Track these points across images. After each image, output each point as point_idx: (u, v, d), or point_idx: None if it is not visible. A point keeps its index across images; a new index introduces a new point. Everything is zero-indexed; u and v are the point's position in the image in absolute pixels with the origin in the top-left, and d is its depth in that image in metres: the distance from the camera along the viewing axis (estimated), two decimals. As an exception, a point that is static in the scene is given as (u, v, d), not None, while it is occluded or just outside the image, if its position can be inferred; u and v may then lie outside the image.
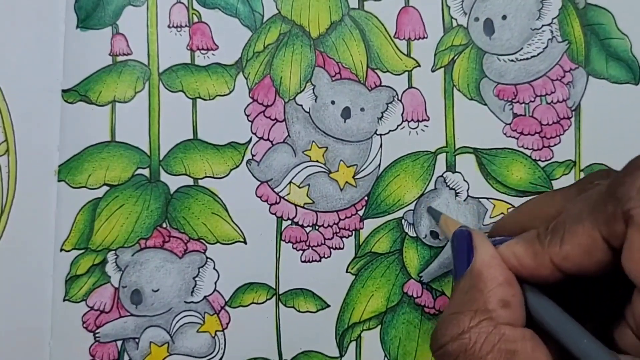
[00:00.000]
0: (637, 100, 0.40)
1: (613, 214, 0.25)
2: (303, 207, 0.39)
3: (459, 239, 0.31)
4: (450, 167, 0.40)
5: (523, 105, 0.40)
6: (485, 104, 0.40)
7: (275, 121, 0.40)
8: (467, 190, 0.39)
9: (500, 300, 0.27)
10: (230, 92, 0.40)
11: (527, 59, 0.40)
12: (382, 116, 0.40)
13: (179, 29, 0.40)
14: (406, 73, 0.40)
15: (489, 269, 0.28)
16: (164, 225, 0.39)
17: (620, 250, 0.25)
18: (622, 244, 0.25)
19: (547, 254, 0.27)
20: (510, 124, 0.40)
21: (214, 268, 0.39)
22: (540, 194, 0.39)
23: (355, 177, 0.39)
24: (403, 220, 0.39)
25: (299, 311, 0.39)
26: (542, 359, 0.26)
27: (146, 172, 0.39)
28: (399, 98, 0.40)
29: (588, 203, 0.27)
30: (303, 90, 0.40)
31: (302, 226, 0.39)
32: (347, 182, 0.39)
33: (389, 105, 0.40)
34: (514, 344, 0.26)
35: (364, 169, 0.39)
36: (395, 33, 0.41)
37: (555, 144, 0.40)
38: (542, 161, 0.40)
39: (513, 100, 0.40)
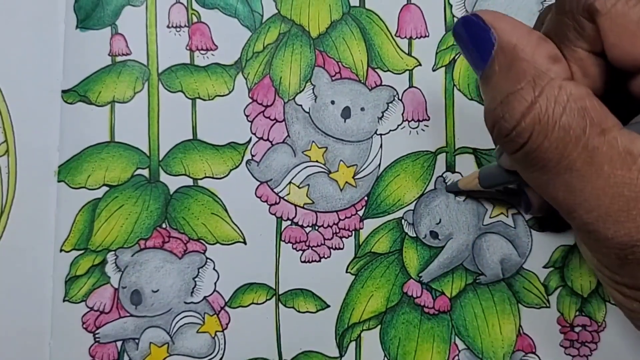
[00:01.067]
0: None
1: (579, 23, 0.25)
2: (303, 207, 0.39)
3: (468, 26, 0.28)
4: (450, 167, 0.39)
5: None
6: (486, 104, 0.40)
7: (274, 121, 0.39)
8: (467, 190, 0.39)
9: (549, 57, 0.26)
10: (230, 92, 0.40)
11: (528, 58, 0.40)
12: (383, 116, 0.40)
13: (178, 29, 0.40)
14: (407, 72, 0.40)
15: (520, 36, 0.26)
16: (164, 225, 0.39)
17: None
18: (601, 44, 0.25)
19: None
20: (510, 124, 0.40)
21: (214, 268, 0.39)
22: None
23: (355, 177, 0.39)
24: (403, 220, 0.39)
25: (298, 311, 0.39)
26: (609, 114, 0.25)
27: (146, 172, 0.39)
28: (400, 97, 0.40)
29: (555, 35, 0.27)
30: (303, 90, 0.40)
31: (302, 226, 0.39)
32: (347, 182, 0.39)
33: (390, 104, 0.40)
34: (583, 100, 0.25)
35: (364, 169, 0.39)
36: (397, 31, 0.40)
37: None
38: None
39: (514, 100, 0.40)
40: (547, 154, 0.25)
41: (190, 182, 0.39)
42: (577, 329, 0.38)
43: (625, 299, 0.27)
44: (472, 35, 0.28)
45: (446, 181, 0.39)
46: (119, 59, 0.39)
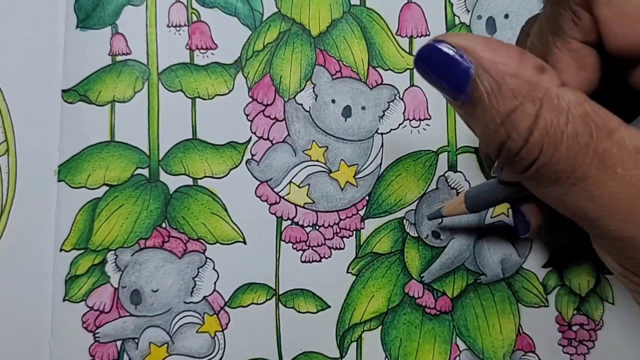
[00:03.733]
0: None
1: (576, 13, 0.25)
2: (303, 207, 0.39)
3: (434, 53, 0.26)
4: (452, 167, 0.39)
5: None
6: (487, 103, 0.39)
7: (275, 120, 0.39)
8: (469, 190, 0.39)
9: (536, 67, 0.25)
10: (230, 92, 0.39)
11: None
12: (384, 115, 0.40)
13: (178, 29, 0.40)
14: (408, 71, 0.40)
15: (498, 53, 0.25)
16: (164, 225, 0.39)
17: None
18: (599, 34, 0.24)
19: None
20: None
21: (214, 268, 0.38)
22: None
23: (356, 176, 0.39)
24: (404, 220, 0.39)
25: (299, 312, 0.38)
26: (610, 114, 0.24)
27: (145, 172, 0.39)
28: (401, 96, 0.40)
29: (549, 27, 0.26)
30: (303, 89, 0.40)
31: (302, 226, 0.39)
32: (347, 181, 0.39)
33: (391, 103, 0.40)
34: (582, 105, 0.24)
35: (365, 168, 0.39)
36: (397, 30, 0.40)
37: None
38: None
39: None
40: (560, 165, 0.24)
41: (190, 181, 0.39)
42: (575, 328, 0.38)
43: None
44: (442, 63, 0.26)
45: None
46: (119, 58, 0.39)
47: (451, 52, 0.25)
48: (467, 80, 0.25)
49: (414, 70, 0.40)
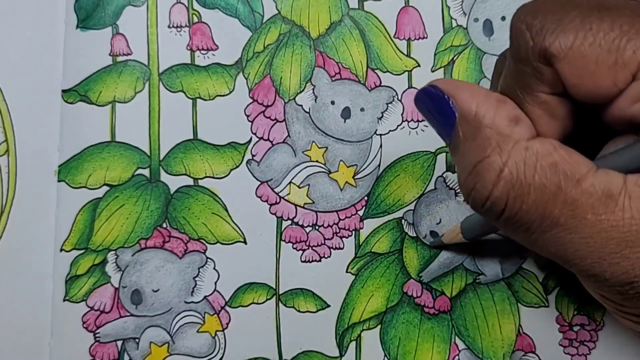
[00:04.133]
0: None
1: (537, 69, 0.25)
2: (303, 207, 0.39)
3: (428, 97, 0.28)
4: (450, 167, 0.40)
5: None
6: (485, 104, 0.40)
7: (275, 121, 0.40)
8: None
9: (510, 119, 0.25)
10: (230, 92, 0.40)
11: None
12: (382, 116, 0.40)
13: (179, 29, 0.40)
14: (406, 73, 0.40)
15: (479, 102, 0.26)
16: (164, 225, 0.39)
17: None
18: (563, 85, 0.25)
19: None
20: (510, 124, 0.40)
21: (214, 268, 0.39)
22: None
23: (355, 177, 0.39)
24: (403, 220, 0.39)
25: (299, 311, 0.39)
26: (580, 161, 0.25)
27: (146, 172, 0.39)
28: (399, 98, 0.40)
29: (516, 83, 0.26)
30: (303, 90, 0.40)
31: (302, 226, 0.39)
32: (347, 182, 0.39)
33: (389, 105, 0.40)
34: (551, 155, 0.24)
35: (364, 169, 0.40)
36: (395, 33, 0.41)
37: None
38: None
39: (513, 101, 0.40)
40: (528, 216, 0.25)
41: (190, 181, 0.39)
42: (575, 328, 0.38)
43: (634, 324, 0.28)
44: (434, 106, 0.27)
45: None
46: (119, 58, 0.40)
47: (443, 98, 0.27)
48: (452, 125, 0.27)
49: (412, 72, 0.40)
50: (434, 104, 0.27)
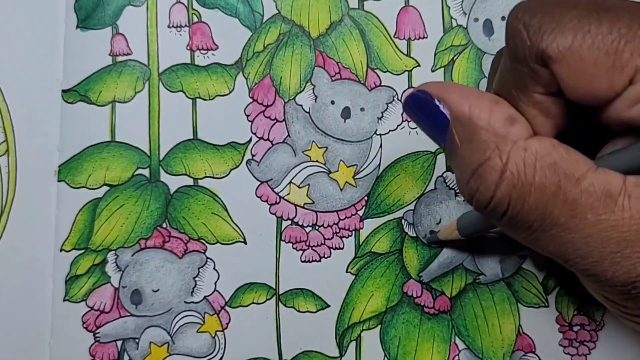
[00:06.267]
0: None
1: (534, 70, 0.25)
2: (303, 207, 0.39)
3: (417, 103, 0.27)
4: (450, 167, 0.39)
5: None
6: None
7: (275, 121, 0.40)
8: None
9: (506, 119, 0.25)
10: (230, 92, 0.40)
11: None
12: (382, 116, 0.40)
13: (178, 29, 0.40)
14: (406, 73, 0.40)
15: (472, 104, 0.26)
16: (164, 225, 0.39)
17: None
18: (558, 85, 0.25)
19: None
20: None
21: (214, 268, 0.39)
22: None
23: (355, 177, 0.39)
24: (403, 220, 0.39)
25: (299, 311, 0.39)
26: (579, 159, 0.25)
27: (146, 172, 0.39)
28: (399, 98, 0.40)
29: (511, 82, 0.26)
30: (303, 90, 0.40)
31: (302, 226, 0.39)
32: (347, 182, 0.39)
33: (389, 105, 0.40)
34: (550, 155, 0.24)
35: (364, 168, 0.39)
36: (395, 33, 0.41)
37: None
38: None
39: (513, 100, 0.40)
40: (529, 216, 0.25)
41: (190, 181, 0.39)
42: (575, 328, 0.38)
43: (637, 325, 0.28)
44: (425, 112, 0.27)
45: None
46: (119, 58, 0.40)
47: (433, 102, 0.27)
48: (446, 129, 0.26)
49: (412, 72, 0.40)
50: (424, 109, 0.27)
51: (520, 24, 0.25)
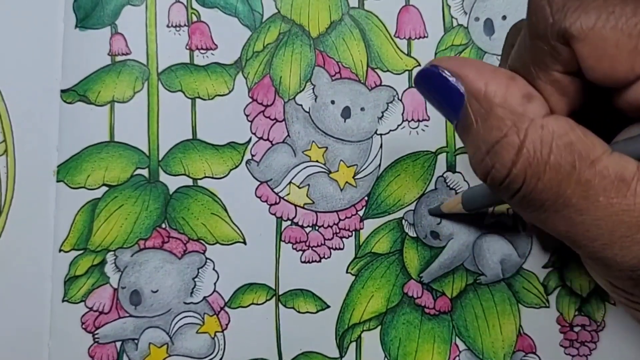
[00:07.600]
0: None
1: (555, 48, 0.25)
2: (303, 208, 0.39)
3: (430, 78, 0.27)
4: (451, 167, 0.39)
5: (524, 105, 0.40)
6: (486, 104, 0.40)
7: (274, 121, 0.39)
8: (468, 191, 0.39)
9: (523, 96, 0.25)
10: (230, 92, 0.40)
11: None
12: (383, 116, 0.40)
13: (178, 29, 0.40)
14: (406, 72, 0.40)
15: (488, 80, 0.25)
16: (163, 225, 0.39)
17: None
18: (579, 66, 0.24)
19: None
20: (510, 124, 0.40)
21: (214, 269, 0.38)
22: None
23: (355, 177, 0.39)
24: (403, 221, 0.39)
25: (298, 312, 0.38)
26: (595, 142, 0.24)
27: (145, 172, 0.39)
28: (400, 97, 0.40)
29: (530, 59, 0.26)
30: (303, 89, 0.40)
31: (302, 226, 0.39)
32: (347, 182, 0.39)
33: (389, 104, 0.40)
34: (567, 135, 0.24)
35: (364, 169, 0.39)
36: (396, 32, 0.40)
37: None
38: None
39: (514, 100, 0.40)
40: (543, 194, 0.25)
41: (190, 182, 0.39)
42: (576, 329, 0.38)
43: None
44: (437, 88, 0.27)
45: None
46: (118, 58, 0.39)
47: (446, 78, 0.26)
48: (460, 105, 0.26)
49: (413, 71, 0.40)
50: (438, 85, 0.26)
51: (543, 0, 0.25)
